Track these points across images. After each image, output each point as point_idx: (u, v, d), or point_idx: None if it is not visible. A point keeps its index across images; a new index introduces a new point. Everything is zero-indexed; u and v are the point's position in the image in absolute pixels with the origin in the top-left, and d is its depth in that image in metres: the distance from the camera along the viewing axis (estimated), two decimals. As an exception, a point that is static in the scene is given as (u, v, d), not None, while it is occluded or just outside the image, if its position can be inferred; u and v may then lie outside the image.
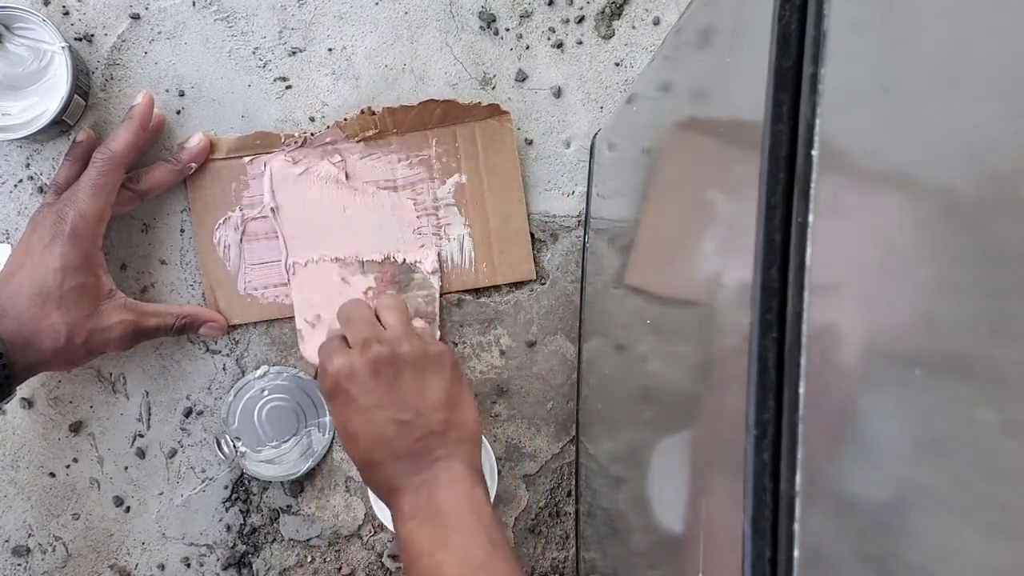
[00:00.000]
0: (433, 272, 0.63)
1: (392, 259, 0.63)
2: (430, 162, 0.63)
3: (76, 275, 0.54)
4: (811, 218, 0.25)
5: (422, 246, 0.63)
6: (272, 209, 0.62)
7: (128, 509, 0.64)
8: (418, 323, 0.59)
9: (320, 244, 0.62)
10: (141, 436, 0.64)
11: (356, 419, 0.51)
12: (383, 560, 0.66)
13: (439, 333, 0.64)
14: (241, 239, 0.62)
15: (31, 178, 0.61)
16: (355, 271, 0.63)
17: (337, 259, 0.63)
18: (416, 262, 0.63)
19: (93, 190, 0.55)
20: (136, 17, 0.61)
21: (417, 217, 0.63)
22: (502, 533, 0.49)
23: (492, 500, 0.64)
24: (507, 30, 0.63)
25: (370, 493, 0.62)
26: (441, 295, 0.64)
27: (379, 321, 0.56)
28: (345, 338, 0.55)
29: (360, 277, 0.63)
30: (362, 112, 0.62)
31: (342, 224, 0.62)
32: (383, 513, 0.62)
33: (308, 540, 0.65)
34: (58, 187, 0.57)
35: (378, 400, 0.51)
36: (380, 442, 0.51)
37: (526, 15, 0.63)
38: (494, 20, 0.63)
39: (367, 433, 0.51)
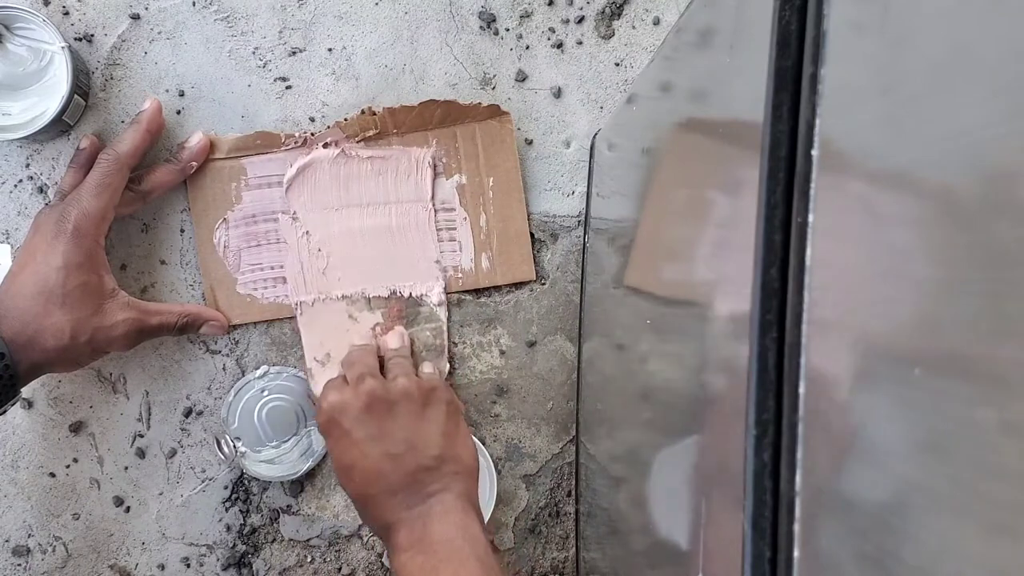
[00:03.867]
0: (439, 304, 0.63)
1: (398, 294, 0.63)
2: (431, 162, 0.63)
3: (79, 274, 0.54)
4: (811, 218, 0.25)
5: (437, 268, 0.63)
6: (291, 215, 0.62)
7: (128, 509, 0.64)
8: (427, 368, 0.60)
9: (326, 284, 0.63)
10: (141, 436, 0.64)
11: (350, 452, 0.53)
12: (383, 560, 0.66)
13: (448, 366, 0.64)
14: (241, 239, 0.62)
15: (31, 178, 0.61)
16: (362, 308, 0.63)
17: (344, 296, 0.63)
18: (422, 295, 0.63)
19: (97, 190, 0.55)
20: (136, 17, 0.61)
21: (437, 231, 0.63)
22: (494, 560, 0.50)
23: (492, 500, 0.64)
24: (507, 30, 0.63)
25: None
26: (448, 329, 0.64)
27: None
28: (346, 378, 0.56)
29: (367, 314, 0.63)
30: (362, 112, 0.62)
31: (349, 256, 0.63)
32: None
33: (308, 540, 0.65)
34: (63, 194, 0.57)
35: (370, 434, 0.53)
36: (374, 476, 0.52)
37: (526, 15, 0.63)
38: (494, 20, 0.63)
39: (361, 467, 0.52)
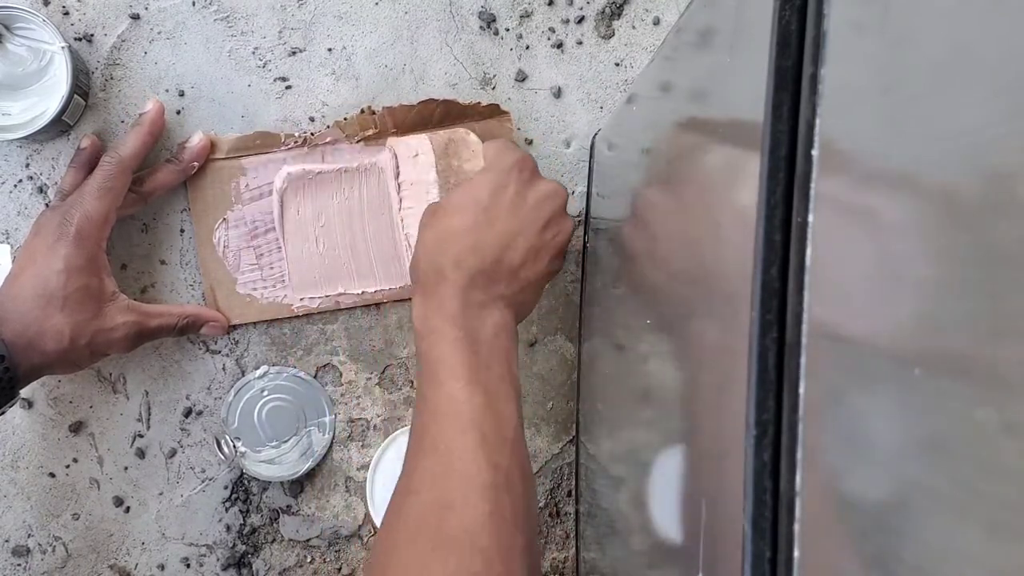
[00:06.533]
0: None
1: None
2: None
3: (80, 277, 0.54)
4: (811, 218, 0.25)
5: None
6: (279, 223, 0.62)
7: (128, 509, 0.64)
8: None
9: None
10: (141, 436, 0.64)
11: (505, 213, 0.49)
12: (383, 560, 0.66)
13: None
14: (241, 239, 0.62)
15: (31, 178, 0.61)
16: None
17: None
18: None
19: (99, 192, 0.55)
20: (136, 17, 0.61)
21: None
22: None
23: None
24: (507, 30, 0.63)
25: (368, 499, 0.62)
26: None
27: None
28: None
29: None
30: (362, 112, 0.62)
31: (344, 254, 0.63)
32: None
33: (308, 540, 0.65)
34: (64, 194, 0.57)
35: (525, 215, 0.50)
36: (495, 242, 0.49)
37: (526, 15, 0.63)
38: (494, 20, 0.63)
39: (498, 228, 0.49)
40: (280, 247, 0.62)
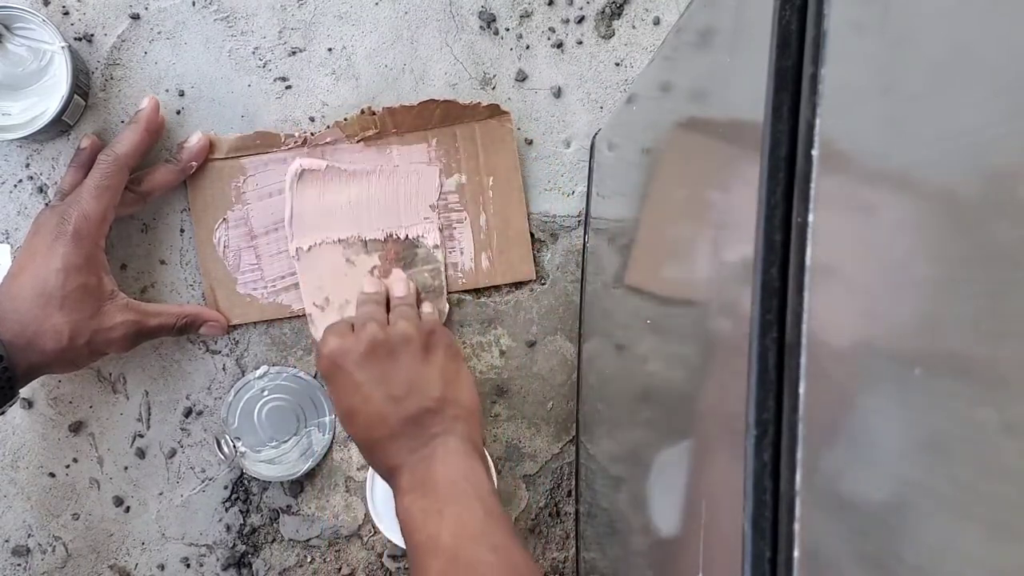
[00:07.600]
0: (435, 246, 0.63)
1: (395, 236, 0.63)
2: (430, 162, 0.63)
3: (78, 276, 0.54)
4: (811, 218, 0.25)
5: (426, 218, 0.63)
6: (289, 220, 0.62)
7: (128, 509, 0.64)
8: (426, 308, 0.61)
9: (321, 227, 0.62)
10: (141, 436, 0.64)
11: (352, 397, 0.53)
12: (383, 560, 0.66)
13: (447, 307, 0.64)
14: (241, 239, 0.62)
15: (31, 178, 0.61)
16: (359, 251, 0.63)
17: (340, 240, 0.63)
18: (419, 237, 0.63)
19: (97, 192, 0.55)
20: (136, 17, 0.61)
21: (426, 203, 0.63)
22: (498, 504, 0.50)
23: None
24: (507, 30, 0.63)
25: (368, 499, 0.62)
26: (446, 268, 0.64)
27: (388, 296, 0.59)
28: (352, 326, 0.56)
29: (364, 256, 0.63)
30: (362, 112, 0.62)
31: (344, 204, 0.63)
32: (381, 523, 0.62)
33: (308, 540, 0.65)
34: (63, 193, 0.57)
35: (372, 377, 0.53)
36: (377, 420, 0.52)
37: (526, 15, 0.63)
38: (494, 20, 0.63)
39: (364, 411, 0.52)
40: (280, 249, 0.62)
